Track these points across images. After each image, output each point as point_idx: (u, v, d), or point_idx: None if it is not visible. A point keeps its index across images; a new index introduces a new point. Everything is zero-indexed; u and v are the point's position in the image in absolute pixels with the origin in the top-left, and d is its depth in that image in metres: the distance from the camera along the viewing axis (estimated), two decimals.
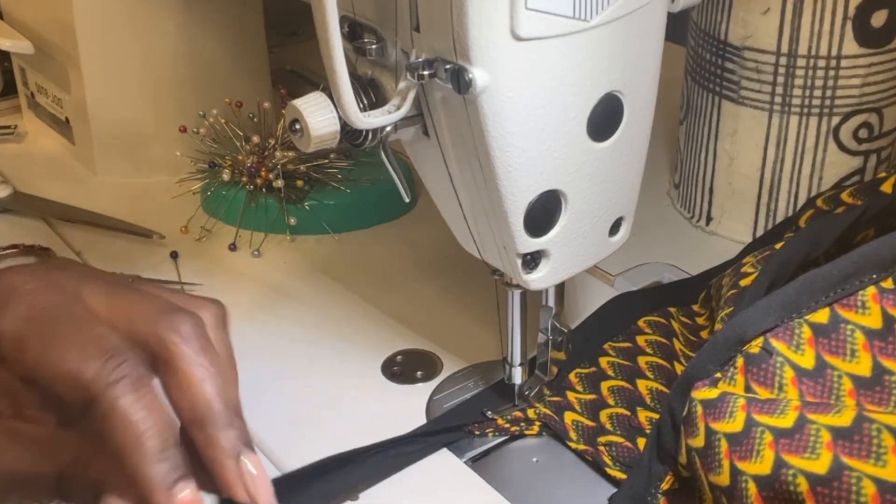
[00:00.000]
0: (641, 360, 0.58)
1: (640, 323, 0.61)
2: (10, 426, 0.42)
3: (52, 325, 0.40)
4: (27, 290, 0.41)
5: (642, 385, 0.57)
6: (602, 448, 0.53)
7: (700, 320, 0.62)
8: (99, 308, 0.42)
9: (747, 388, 0.46)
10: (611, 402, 0.56)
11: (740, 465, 0.43)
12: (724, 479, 0.43)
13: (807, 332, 0.46)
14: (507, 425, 0.55)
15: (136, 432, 0.38)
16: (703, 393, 0.46)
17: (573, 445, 0.53)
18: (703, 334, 0.61)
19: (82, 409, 0.39)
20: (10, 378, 0.41)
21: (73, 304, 0.41)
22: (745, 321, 0.47)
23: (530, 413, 0.55)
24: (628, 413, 0.55)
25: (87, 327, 0.40)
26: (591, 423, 0.54)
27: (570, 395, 0.56)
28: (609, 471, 0.52)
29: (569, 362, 0.57)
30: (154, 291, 0.44)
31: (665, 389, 0.56)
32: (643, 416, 0.55)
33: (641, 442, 0.53)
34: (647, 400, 0.56)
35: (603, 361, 0.58)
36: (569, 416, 0.55)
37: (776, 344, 0.46)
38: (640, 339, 0.60)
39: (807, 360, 0.46)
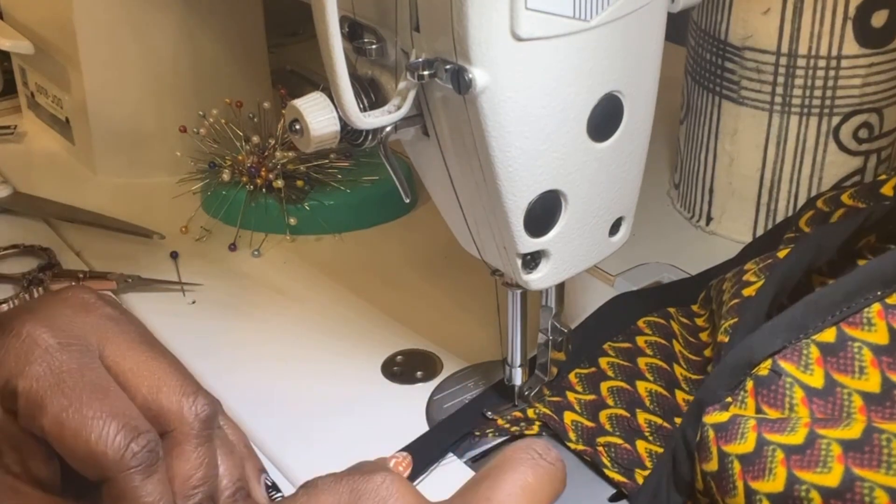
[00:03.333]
0: (641, 362, 0.58)
1: (640, 323, 0.61)
2: (16, 486, 0.42)
3: (72, 391, 0.40)
4: (47, 348, 0.41)
5: (641, 387, 0.57)
6: (601, 449, 0.53)
7: (700, 321, 0.62)
8: (121, 368, 0.42)
9: (758, 410, 0.46)
10: (610, 402, 0.56)
11: (754, 485, 0.43)
12: (739, 500, 0.43)
13: (814, 351, 0.46)
14: (507, 425, 0.55)
15: None
16: (714, 417, 0.46)
17: (572, 446, 0.53)
18: (703, 336, 0.61)
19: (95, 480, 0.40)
20: (18, 431, 0.41)
21: (94, 367, 0.41)
22: (752, 344, 0.47)
23: (530, 413, 0.55)
24: (628, 415, 0.55)
25: (110, 401, 0.40)
26: (590, 424, 0.54)
27: (570, 396, 0.56)
28: (607, 472, 0.52)
29: (568, 362, 0.57)
30: (170, 357, 0.44)
31: (664, 392, 0.56)
32: (642, 418, 0.55)
33: (640, 444, 0.53)
34: (647, 402, 0.56)
35: (602, 362, 0.58)
36: (568, 416, 0.55)
37: (784, 365, 0.46)
38: (640, 340, 0.60)
39: (816, 380, 0.45)
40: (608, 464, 0.52)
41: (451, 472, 0.53)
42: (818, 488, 0.40)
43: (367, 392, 0.59)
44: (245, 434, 0.48)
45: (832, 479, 0.40)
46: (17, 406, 0.40)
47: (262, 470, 0.48)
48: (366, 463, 0.44)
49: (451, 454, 0.54)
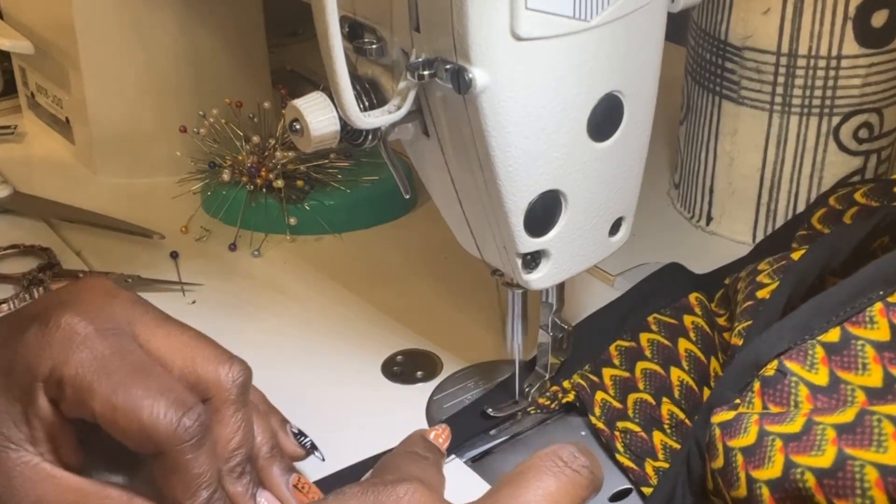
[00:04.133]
0: (681, 346, 0.58)
1: (692, 298, 0.61)
2: (53, 473, 0.43)
3: (117, 373, 0.42)
4: (86, 335, 0.42)
5: (675, 374, 0.57)
6: (617, 434, 0.53)
7: (721, 321, 0.62)
8: (154, 346, 0.45)
9: (764, 409, 0.47)
10: (641, 385, 0.56)
11: (754, 474, 0.43)
12: (741, 491, 0.44)
13: (820, 351, 0.47)
14: (547, 402, 0.56)
15: (194, 485, 0.42)
16: (720, 416, 0.47)
17: (594, 421, 0.54)
18: (727, 336, 0.61)
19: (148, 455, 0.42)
20: (56, 420, 0.43)
21: (132, 349, 0.43)
22: (758, 347, 0.48)
23: (565, 384, 0.56)
24: (653, 402, 0.55)
25: (154, 379, 0.42)
26: (617, 405, 0.55)
27: (606, 374, 0.56)
28: (618, 457, 0.52)
29: (612, 331, 0.58)
30: (196, 331, 0.46)
31: (694, 386, 0.56)
32: (665, 408, 0.55)
33: (657, 435, 0.53)
34: (675, 392, 0.56)
35: (643, 338, 0.58)
36: (599, 395, 0.55)
37: (790, 365, 0.47)
38: (688, 320, 0.60)
39: (820, 378, 0.46)
40: (621, 449, 0.52)
41: (452, 473, 0.53)
42: (812, 470, 0.41)
43: (367, 392, 0.59)
44: (262, 391, 0.50)
45: (825, 460, 0.41)
46: (61, 394, 0.42)
47: (286, 421, 0.50)
48: (398, 450, 0.46)
49: (451, 454, 0.54)
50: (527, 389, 0.57)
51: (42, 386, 0.42)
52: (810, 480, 0.41)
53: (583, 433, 0.56)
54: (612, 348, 0.58)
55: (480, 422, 0.56)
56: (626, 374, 0.57)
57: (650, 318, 0.59)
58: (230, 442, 0.45)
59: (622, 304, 0.61)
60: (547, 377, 0.57)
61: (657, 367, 0.57)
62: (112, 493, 0.43)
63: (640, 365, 0.57)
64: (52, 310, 0.43)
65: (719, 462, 0.46)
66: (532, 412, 0.56)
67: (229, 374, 0.45)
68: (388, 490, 0.40)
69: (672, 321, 0.59)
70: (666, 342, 0.58)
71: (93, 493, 0.42)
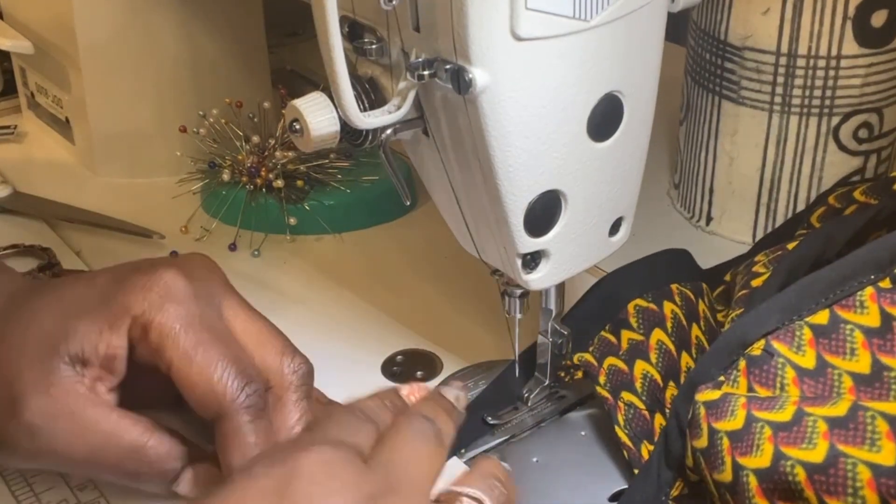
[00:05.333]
0: (693, 332, 0.57)
1: (704, 286, 0.60)
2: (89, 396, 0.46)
3: (202, 334, 0.46)
4: (184, 294, 0.46)
5: (685, 360, 0.56)
6: (621, 405, 0.52)
7: (720, 316, 0.62)
8: (233, 324, 0.48)
9: (750, 390, 0.46)
10: (652, 357, 0.55)
11: (741, 461, 0.43)
12: (726, 475, 0.44)
13: (807, 333, 0.46)
14: (562, 374, 0.56)
15: (250, 454, 0.44)
16: (705, 395, 0.46)
17: (598, 390, 0.53)
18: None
19: (209, 418, 0.46)
20: (124, 360, 0.46)
21: (218, 318, 0.48)
22: (746, 325, 0.48)
23: (575, 359, 0.55)
24: (661, 383, 0.54)
25: (232, 349, 0.46)
26: (623, 368, 0.54)
27: (624, 336, 0.55)
28: (617, 429, 0.51)
29: (633, 289, 0.57)
30: (270, 322, 0.50)
31: None
32: (669, 393, 0.54)
33: (658, 418, 0.53)
34: (683, 378, 0.55)
35: (667, 307, 0.57)
36: (608, 361, 0.54)
37: (777, 346, 0.46)
38: (701, 306, 0.59)
39: (807, 361, 0.46)
40: (621, 422, 0.52)
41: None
42: (803, 464, 0.41)
43: (367, 392, 0.59)
44: (319, 389, 0.52)
45: (817, 455, 0.41)
46: (143, 337, 0.46)
47: None
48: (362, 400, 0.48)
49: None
50: (526, 395, 0.56)
51: (130, 322, 0.46)
52: (801, 474, 0.41)
53: (583, 433, 0.56)
54: (630, 307, 0.56)
55: (480, 426, 0.56)
56: (641, 338, 0.55)
57: (673, 287, 0.58)
58: (293, 429, 0.47)
59: (641, 266, 0.59)
60: (546, 382, 0.57)
61: (672, 347, 0.56)
62: (137, 427, 0.46)
63: (658, 334, 0.56)
64: (162, 265, 0.48)
65: (703, 442, 0.45)
66: (549, 388, 0.56)
67: (291, 364, 0.48)
68: (296, 457, 0.39)
69: (690, 294, 0.58)
70: (683, 321, 0.57)
71: (123, 418, 0.46)
